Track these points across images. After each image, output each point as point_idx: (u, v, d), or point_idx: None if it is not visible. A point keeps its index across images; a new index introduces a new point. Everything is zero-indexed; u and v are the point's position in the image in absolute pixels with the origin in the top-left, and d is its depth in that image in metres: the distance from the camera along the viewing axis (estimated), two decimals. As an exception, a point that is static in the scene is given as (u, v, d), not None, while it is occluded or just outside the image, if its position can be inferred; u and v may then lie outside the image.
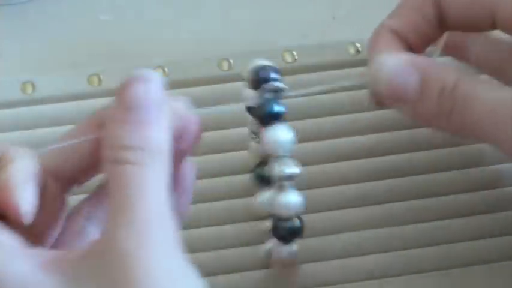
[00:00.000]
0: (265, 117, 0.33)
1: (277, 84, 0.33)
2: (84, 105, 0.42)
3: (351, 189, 0.41)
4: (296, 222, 0.34)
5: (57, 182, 0.30)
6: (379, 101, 0.32)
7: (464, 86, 0.31)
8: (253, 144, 0.38)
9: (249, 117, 0.37)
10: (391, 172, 0.41)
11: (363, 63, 0.44)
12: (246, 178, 0.40)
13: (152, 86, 0.27)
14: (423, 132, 0.42)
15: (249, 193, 0.39)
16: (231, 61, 0.44)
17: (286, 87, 0.33)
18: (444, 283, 0.39)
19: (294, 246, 0.35)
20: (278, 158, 0.33)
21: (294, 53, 0.44)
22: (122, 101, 0.27)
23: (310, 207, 0.38)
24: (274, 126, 0.33)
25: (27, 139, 0.42)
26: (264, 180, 0.37)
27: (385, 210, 0.40)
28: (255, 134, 0.37)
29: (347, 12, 0.47)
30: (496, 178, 0.41)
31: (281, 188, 0.34)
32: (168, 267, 0.25)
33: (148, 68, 0.30)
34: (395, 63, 0.31)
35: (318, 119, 0.42)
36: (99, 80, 0.43)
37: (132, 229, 0.25)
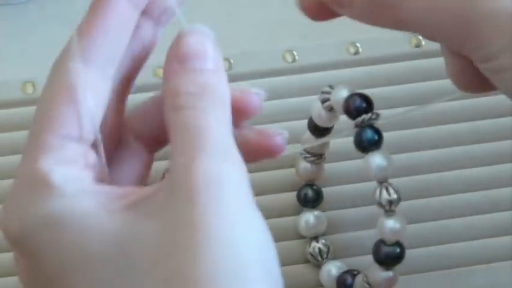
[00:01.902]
0: (366, 146, 0.33)
1: (372, 113, 0.33)
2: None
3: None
4: (398, 249, 0.34)
5: (141, 143, 0.30)
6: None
7: None
8: (303, 164, 0.38)
9: (306, 135, 0.37)
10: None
11: (363, 63, 0.44)
12: (290, 197, 0.40)
13: (203, 37, 0.28)
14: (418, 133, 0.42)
15: (293, 212, 0.40)
16: (231, 61, 0.44)
17: (380, 113, 0.33)
18: (444, 283, 0.39)
19: (392, 272, 0.35)
20: (384, 184, 0.33)
21: (294, 53, 0.44)
22: (176, 52, 0.28)
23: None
24: (376, 152, 0.33)
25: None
26: (309, 201, 0.38)
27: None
28: (310, 155, 0.38)
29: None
30: (496, 177, 0.41)
31: (389, 214, 0.34)
32: (239, 214, 0.25)
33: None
34: None
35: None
36: None
37: (199, 167, 0.25)
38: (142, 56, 0.30)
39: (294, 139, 0.42)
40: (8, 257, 0.40)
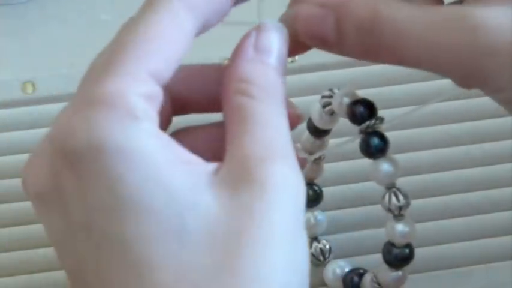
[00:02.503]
0: (373, 152, 0.33)
1: (376, 118, 0.33)
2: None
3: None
4: (407, 250, 0.34)
5: (171, 100, 0.29)
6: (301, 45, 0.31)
7: (383, 16, 0.27)
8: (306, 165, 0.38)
9: (305, 136, 0.37)
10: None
11: (363, 63, 0.44)
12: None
13: (280, 35, 0.28)
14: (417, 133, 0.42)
15: None
16: None
17: (384, 117, 0.33)
18: (444, 283, 0.39)
19: (401, 272, 0.35)
20: (392, 189, 0.33)
21: (294, 53, 0.44)
22: (254, 40, 0.28)
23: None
24: (383, 158, 0.33)
25: (27, 139, 0.42)
26: (309, 200, 0.38)
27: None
28: (310, 154, 0.38)
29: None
30: (496, 177, 0.41)
31: (398, 218, 0.34)
32: (286, 230, 0.24)
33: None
34: (308, 9, 0.29)
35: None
36: None
37: (277, 167, 0.25)
38: (222, 13, 0.29)
39: (295, 139, 0.42)
40: (8, 256, 0.40)
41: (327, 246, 0.39)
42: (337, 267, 0.38)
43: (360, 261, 0.39)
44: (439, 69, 0.28)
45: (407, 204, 0.33)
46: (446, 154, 0.42)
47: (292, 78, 0.44)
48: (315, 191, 0.39)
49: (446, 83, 0.44)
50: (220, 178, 0.24)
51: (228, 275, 0.23)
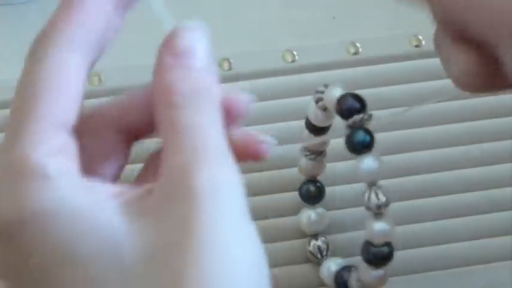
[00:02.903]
0: (357, 148, 0.33)
1: (364, 114, 0.32)
2: (84, 105, 0.42)
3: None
4: (386, 249, 0.34)
5: (122, 134, 0.29)
6: None
7: None
8: (304, 161, 0.38)
9: (305, 134, 0.37)
10: (390, 172, 0.41)
11: (363, 63, 0.44)
12: (291, 196, 0.40)
13: (199, 34, 0.28)
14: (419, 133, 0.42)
15: (294, 211, 0.40)
16: (231, 61, 0.44)
17: (372, 113, 0.33)
18: (444, 283, 0.39)
19: (382, 271, 0.35)
20: (373, 187, 0.33)
21: (294, 53, 0.44)
22: (171, 48, 0.27)
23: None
24: (366, 155, 0.33)
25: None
26: (311, 198, 0.38)
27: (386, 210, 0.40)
28: (310, 152, 0.38)
29: (347, 12, 0.47)
30: (496, 177, 0.41)
31: (377, 216, 0.34)
32: (235, 226, 0.24)
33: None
34: None
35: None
36: (100, 79, 0.44)
37: (200, 170, 0.24)
38: (109, 42, 0.28)
39: (293, 139, 0.42)
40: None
41: (325, 244, 0.39)
42: (333, 264, 0.38)
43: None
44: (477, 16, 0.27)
45: (387, 204, 0.33)
46: (446, 154, 0.42)
47: (292, 78, 0.44)
48: (317, 187, 0.39)
49: (446, 83, 0.44)
50: (152, 200, 0.24)
51: None
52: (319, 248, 0.39)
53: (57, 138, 0.25)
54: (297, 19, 0.47)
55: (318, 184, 0.39)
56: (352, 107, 0.32)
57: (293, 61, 0.44)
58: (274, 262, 0.38)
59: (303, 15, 0.47)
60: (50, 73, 0.26)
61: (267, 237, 0.39)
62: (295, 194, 0.40)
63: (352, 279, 0.36)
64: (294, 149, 0.38)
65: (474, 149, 0.42)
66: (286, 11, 0.48)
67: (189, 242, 0.23)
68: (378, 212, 0.33)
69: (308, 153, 0.38)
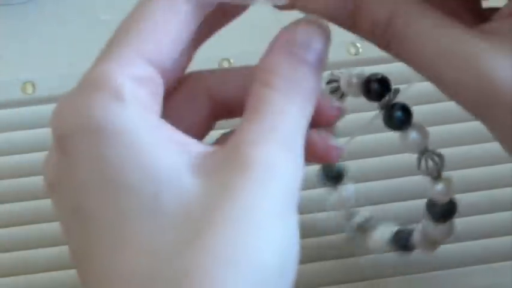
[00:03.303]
0: (398, 124, 0.33)
1: (392, 91, 0.32)
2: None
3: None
4: (450, 205, 0.34)
5: (211, 104, 0.30)
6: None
7: (398, 22, 0.27)
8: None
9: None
10: (389, 172, 0.41)
11: (363, 63, 0.44)
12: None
13: (321, 32, 0.28)
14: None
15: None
16: (231, 61, 0.44)
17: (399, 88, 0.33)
18: (444, 283, 0.39)
19: (448, 224, 0.35)
20: (426, 153, 0.33)
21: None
22: (292, 34, 0.27)
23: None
24: (411, 128, 0.33)
25: (27, 139, 0.42)
26: (332, 179, 0.38)
27: (386, 210, 0.40)
28: None
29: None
30: (496, 177, 0.41)
31: (437, 179, 0.34)
32: (277, 211, 0.24)
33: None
34: None
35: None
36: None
37: (264, 148, 0.24)
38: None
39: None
40: (8, 256, 0.40)
41: (366, 215, 0.38)
42: (384, 231, 0.37)
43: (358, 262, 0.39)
44: (446, 91, 0.28)
45: (443, 163, 0.33)
46: (446, 154, 0.42)
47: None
48: (336, 167, 0.39)
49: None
50: (211, 161, 0.24)
51: (191, 253, 0.22)
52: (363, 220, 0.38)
53: (142, 69, 0.25)
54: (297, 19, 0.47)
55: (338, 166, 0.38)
56: (380, 88, 0.32)
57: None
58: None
59: (303, 15, 0.47)
60: (157, 12, 0.26)
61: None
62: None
63: (416, 237, 0.36)
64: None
65: (474, 149, 0.42)
66: (286, 11, 0.47)
67: (225, 209, 0.23)
68: (437, 175, 0.33)
69: None
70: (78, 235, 0.25)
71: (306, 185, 0.41)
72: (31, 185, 0.41)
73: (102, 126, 0.24)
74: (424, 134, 0.33)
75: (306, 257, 0.39)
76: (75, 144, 0.24)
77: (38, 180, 0.41)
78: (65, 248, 0.40)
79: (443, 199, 0.34)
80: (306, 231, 0.40)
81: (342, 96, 0.35)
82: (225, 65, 0.44)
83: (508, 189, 0.41)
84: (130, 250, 0.23)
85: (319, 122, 0.29)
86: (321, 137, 0.29)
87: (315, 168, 0.42)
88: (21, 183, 0.41)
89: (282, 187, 0.24)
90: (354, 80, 0.33)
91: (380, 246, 0.38)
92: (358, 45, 0.44)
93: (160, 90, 0.26)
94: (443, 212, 0.34)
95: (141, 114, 0.24)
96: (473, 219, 0.40)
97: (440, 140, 0.42)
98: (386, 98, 0.32)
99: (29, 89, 0.44)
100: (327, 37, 0.28)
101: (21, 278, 0.39)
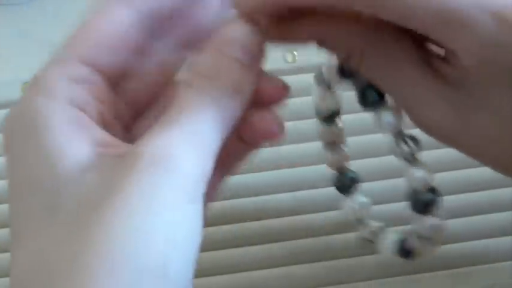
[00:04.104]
0: (372, 104, 0.33)
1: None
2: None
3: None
4: (430, 195, 0.34)
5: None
6: None
7: None
8: (329, 156, 0.38)
9: (320, 129, 0.37)
10: (389, 172, 0.41)
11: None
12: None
13: (253, 32, 0.28)
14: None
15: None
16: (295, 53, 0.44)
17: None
18: (444, 283, 0.39)
19: (436, 218, 0.35)
20: (400, 135, 0.33)
21: (295, 53, 0.44)
22: (222, 34, 0.27)
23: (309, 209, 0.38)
24: (384, 108, 0.33)
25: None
26: (344, 189, 0.38)
27: (386, 210, 0.40)
28: (330, 145, 0.37)
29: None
30: (496, 177, 0.41)
31: (413, 163, 0.34)
32: (172, 200, 0.24)
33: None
34: None
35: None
36: None
37: (161, 138, 0.24)
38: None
39: (295, 139, 0.42)
40: (7, 257, 0.40)
41: (376, 226, 0.38)
42: (389, 241, 0.37)
43: (359, 262, 0.39)
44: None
45: (419, 148, 0.33)
46: (446, 154, 0.42)
47: (292, 79, 0.43)
48: (348, 176, 0.39)
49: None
50: (116, 157, 0.24)
51: (74, 252, 0.22)
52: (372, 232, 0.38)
53: (78, 69, 0.26)
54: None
55: (349, 173, 0.39)
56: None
57: (293, 61, 0.44)
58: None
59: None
60: (91, 20, 0.28)
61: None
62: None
63: (411, 241, 0.36)
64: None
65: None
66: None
67: (114, 205, 0.23)
68: (413, 158, 0.33)
69: (330, 147, 0.38)
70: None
71: (307, 185, 0.41)
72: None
73: (29, 119, 0.25)
74: (398, 116, 0.33)
75: (306, 257, 0.39)
76: (11, 144, 0.25)
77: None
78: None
79: (423, 186, 0.34)
80: (306, 230, 0.40)
81: (330, 87, 0.35)
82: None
83: (508, 189, 0.41)
84: (22, 249, 0.24)
85: (262, 101, 0.29)
86: (260, 116, 0.29)
87: (316, 168, 0.42)
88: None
89: (178, 179, 0.24)
90: (332, 67, 0.33)
91: (389, 255, 0.38)
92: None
93: (99, 86, 0.27)
94: (427, 201, 0.34)
95: (64, 108, 0.25)
96: (473, 219, 0.40)
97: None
98: (360, 78, 0.32)
99: (29, 89, 0.44)
100: (254, 32, 0.28)
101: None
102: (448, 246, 0.40)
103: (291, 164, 0.42)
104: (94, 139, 0.25)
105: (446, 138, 0.30)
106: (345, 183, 0.38)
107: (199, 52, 0.27)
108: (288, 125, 0.42)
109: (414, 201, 0.34)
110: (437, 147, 0.42)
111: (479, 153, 0.30)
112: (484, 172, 0.41)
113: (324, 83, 0.35)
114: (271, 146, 0.42)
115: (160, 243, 0.23)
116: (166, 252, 0.23)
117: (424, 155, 0.42)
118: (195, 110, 0.25)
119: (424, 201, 0.34)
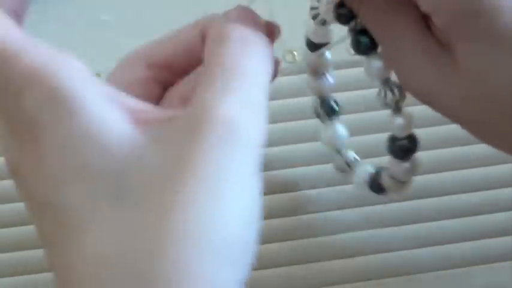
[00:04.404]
0: (363, 48, 0.33)
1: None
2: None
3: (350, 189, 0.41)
4: (409, 141, 0.35)
5: (149, 71, 0.30)
6: None
7: None
8: (312, 82, 0.38)
9: (308, 55, 0.37)
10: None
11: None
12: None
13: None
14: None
15: None
16: (295, 53, 0.44)
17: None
18: (444, 283, 0.39)
19: (409, 163, 0.35)
20: (387, 83, 0.33)
21: (295, 53, 0.44)
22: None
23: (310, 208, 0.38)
24: (374, 55, 0.33)
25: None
26: (324, 116, 0.38)
27: (386, 210, 0.40)
28: (314, 73, 0.38)
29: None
30: (496, 177, 0.41)
31: (396, 111, 0.34)
32: (238, 176, 0.23)
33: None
34: None
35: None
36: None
37: (222, 108, 0.23)
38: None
39: (295, 139, 0.42)
40: (8, 256, 0.40)
41: (353, 157, 0.39)
42: (363, 172, 0.38)
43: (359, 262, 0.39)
44: None
45: (403, 97, 0.33)
46: (446, 154, 0.42)
47: (292, 79, 0.44)
48: (329, 104, 0.39)
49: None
50: (171, 128, 0.24)
51: (155, 233, 0.22)
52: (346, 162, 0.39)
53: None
54: (297, 19, 0.47)
55: (331, 102, 0.39)
56: (349, 12, 0.33)
57: (293, 61, 0.44)
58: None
59: (303, 15, 0.47)
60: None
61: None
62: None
63: (385, 178, 0.36)
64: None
65: (474, 149, 0.42)
66: (286, 11, 0.47)
67: (187, 182, 0.22)
68: (396, 107, 0.33)
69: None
70: (46, 223, 0.24)
71: (307, 185, 0.41)
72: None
73: (65, 97, 0.23)
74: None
75: (306, 256, 0.39)
76: (43, 126, 0.23)
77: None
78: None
79: (401, 134, 0.34)
80: (306, 230, 0.40)
81: (324, 23, 0.35)
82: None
83: (508, 189, 0.41)
84: (94, 234, 0.22)
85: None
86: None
87: (316, 168, 0.42)
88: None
89: (246, 153, 0.23)
90: (330, 5, 0.33)
91: (360, 188, 0.38)
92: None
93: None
94: (403, 148, 0.35)
95: (91, 80, 0.24)
96: (473, 219, 0.40)
97: (440, 140, 0.42)
98: (354, 22, 0.32)
99: (29, 89, 0.44)
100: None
101: (21, 278, 0.39)
102: (448, 246, 0.40)
103: (291, 164, 0.42)
104: (128, 106, 0.24)
105: (428, 97, 0.30)
106: (326, 110, 0.38)
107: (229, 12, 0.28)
108: (288, 125, 0.42)
109: (392, 146, 0.35)
110: (437, 147, 0.42)
111: (459, 116, 0.30)
112: (484, 172, 0.42)
113: (318, 19, 0.35)
114: (271, 146, 0.42)
115: (238, 225, 0.22)
116: (242, 233, 0.22)
117: (424, 155, 0.42)
118: (247, 74, 0.25)
119: (401, 147, 0.35)
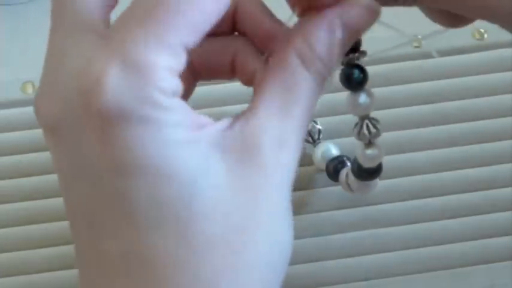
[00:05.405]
0: (353, 84, 0.33)
1: (359, 52, 0.33)
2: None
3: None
4: (375, 168, 0.35)
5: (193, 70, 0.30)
6: None
7: None
8: None
9: None
10: (390, 173, 0.41)
11: (363, 63, 0.44)
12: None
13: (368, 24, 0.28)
14: (422, 132, 0.42)
15: None
16: None
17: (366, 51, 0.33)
18: (444, 283, 0.39)
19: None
20: (367, 119, 0.33)
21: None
22: (347, 17, 0.27)
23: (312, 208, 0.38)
24: (362, 91, 0.33)
25: (27, 139, 0.42)
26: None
27: (386, 210, 0.40)
28: None
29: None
30: (496, 177, 0.41)
31: (368, 145, 0.34)
32: (279, 210, 0.25)
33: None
34: None
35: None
36: None
37: (282, 132, 0.25)
38: None
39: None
40: (8, 256, 0.40)
41: (317, 127, 0.40)
42: (327, 150, 0.40)
43: (358, 262, 0.39)
44: None
45: (379, 134, 0.33)
46: (446, 154, 0.42)
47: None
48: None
49: (446, 83, 0.44)
50: (229, 140, 0.24)
51: (228, 251, 0.23)
52: (310, 132, 0.40)
53: (180, 58, 0.24)
54: (297, 19, 0.47)
55: None
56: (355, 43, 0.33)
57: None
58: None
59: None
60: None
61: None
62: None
63: (342, 175, 0.38)
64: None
65: (474, 149, 0.42)
66: (286, 11, 0.47)
67: (253, 209, 0.24)
68: (369, 142, 0.33)
69: None
70: (89, 200, 0.24)
71: (307, 185, 0.41)
72: (31, 185, 0.41)
73: (144, 117, 0.23)
74: (371, 100, 0.33)
75: (306, 256, 0.39)
76: (115, 126, 0.23)
77: (38, 180, 0.41)
78: (65, 248, 0.40)
79: (369, 164, 0.34)
80: (306, 230, 0.40)
81: None
82: None
83: (507, 189, 0.41)
84: (161, 233, 0.23)
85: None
86: None
87: (316, 168, 0.42)
88: (21, 183, 0.41)
89: (287, 188, 0.25)
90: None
91: (320, 163, 0.40)
92: None
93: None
94: (367, 175, 0.35)
95: (177, 107, 0.24)
96: (473, 219, 0.40)
97: (440, 140, 0.42)
98: (350, 56, 0.32)
99: (29, 89, 0.44)
100: (371, 22, 0.28)
101: (21, 278, 0.39)
102: (448, 246, 0.40)
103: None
104: (197, 123, 0.24)
105: None
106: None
107: (313, 24, 0.26)
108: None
109: (358, 171, 0.35)
110: (437, 147, 0.42)
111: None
112: (484, 172, 0.42)
113: None
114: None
115: (283, 247, 0.25)
116: (282, 255, 0.25)
117: (424, 155, 0.42)
118: (308, 101, 0.26)
119: (367, 171, 0.35)
